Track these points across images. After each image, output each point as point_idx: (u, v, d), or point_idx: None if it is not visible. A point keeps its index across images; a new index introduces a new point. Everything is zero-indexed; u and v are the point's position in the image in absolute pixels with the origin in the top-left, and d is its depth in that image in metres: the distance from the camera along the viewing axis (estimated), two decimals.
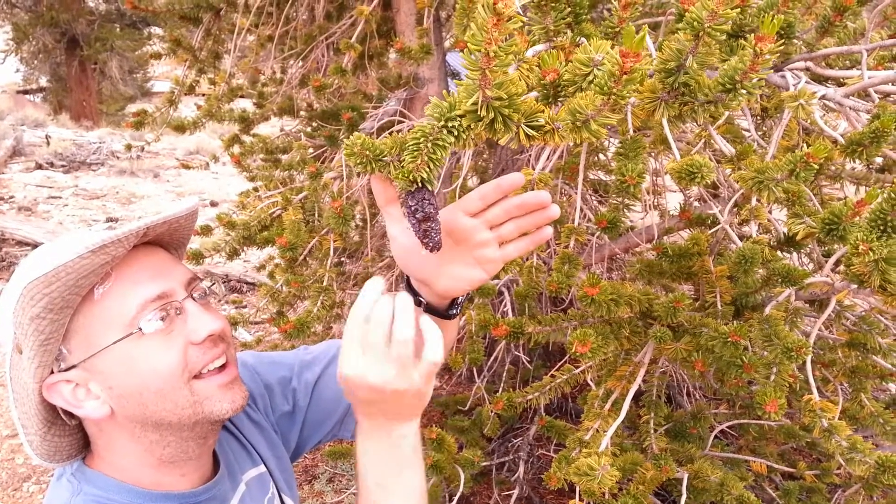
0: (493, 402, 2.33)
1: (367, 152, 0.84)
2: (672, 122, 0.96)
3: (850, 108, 1.42)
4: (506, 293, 3.15)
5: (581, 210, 2.12)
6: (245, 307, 6.18)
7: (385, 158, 0.86)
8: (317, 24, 4.00)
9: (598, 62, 0.78)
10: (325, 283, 2.75)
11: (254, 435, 1.39)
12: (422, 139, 0.79)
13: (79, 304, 1.01)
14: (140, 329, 1.02)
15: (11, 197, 10.13)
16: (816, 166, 1.17)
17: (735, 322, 1.77)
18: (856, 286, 1.58)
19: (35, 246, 7.82)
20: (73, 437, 1.14)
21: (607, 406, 1.95)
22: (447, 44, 3.99)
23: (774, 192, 1.21)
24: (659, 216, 3.18)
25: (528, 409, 3.06)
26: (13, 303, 0.97)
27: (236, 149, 3.99)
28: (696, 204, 3.03)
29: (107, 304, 1.03)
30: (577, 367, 2.17)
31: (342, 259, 3.97)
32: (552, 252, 2.83)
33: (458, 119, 0.78)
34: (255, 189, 3.39)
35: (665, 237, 2.73)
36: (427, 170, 0.80)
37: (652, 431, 2.15)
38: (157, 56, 4.20)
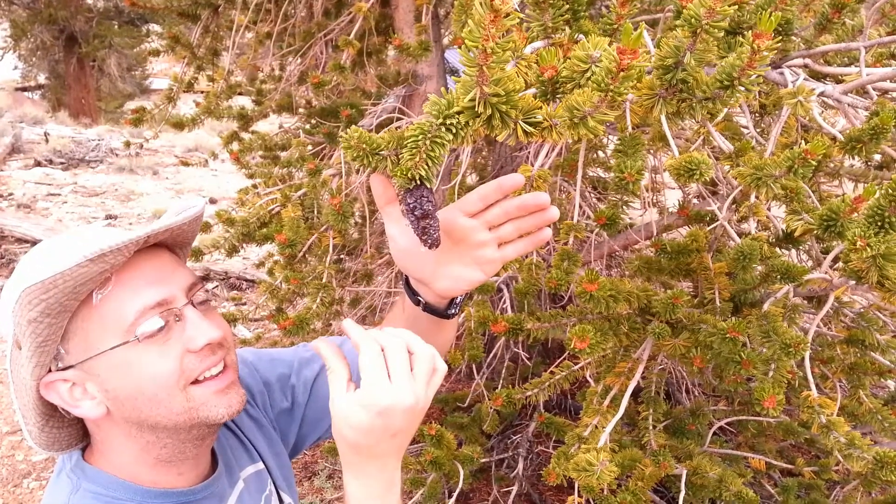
0: (493, 398, 2.33)
1: (364, 146, 0.84)
2: (670, 118, 0.96)
3: (849, 105, 1.42)
4: (505, 290, 3.15)
5: (580, 207, 2.12)
6: (244, 304, 6.18)
7: (382, 153, 0.86)
8: (315, 20, 3.99)
9: (596, 59, 0.78)
10: (324, 280, 2.75)
11: (252, 432, 1.39)
12: (420, 137, 0.79)
13: (78, 307, 1.01)
14: (136, 338, 1.02)
15: (10, 194, 10.12)
16: (815, 163, 1.17)
17: (734, 318, 1.77)
18: (854, 282, 1.59)
19: (34, 243, 7.82)
20: (71, 428, 1.14)
21: (606, 402, 1.95)
22: (446, 41, 3.99)
23: (773, 188, 1.21)
24: (658, 213, 3.18)
25: (528, 406, 3.06)
26: (12, 303, 0.97)
27: (235, 146, 3.98)
28: (694, 201, 3.03)
29: (105, 310, 1.02)
30: (576, 364, 2.17)
31: (341, 256, 3.97)
32: (551, 249, 2.83)
33: (457, 116, 0.78)
34: (254, 186, 3.39)
35: (664, 234, 2.73)
36: (425, 167, 0.80)
37: (651, 428, 2.15)
38: (156, 53, 4.19)
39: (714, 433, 2.55)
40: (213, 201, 10.82)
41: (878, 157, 2.41)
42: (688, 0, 1.05)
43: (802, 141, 1.87)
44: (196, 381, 1.07)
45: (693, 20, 0.83)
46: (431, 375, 1.01)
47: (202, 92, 3.97)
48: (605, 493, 1.90)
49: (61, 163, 12.18)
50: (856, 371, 2.13)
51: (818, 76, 1.56)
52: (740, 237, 1.90)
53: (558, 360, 2.32)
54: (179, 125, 3.70)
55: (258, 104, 4.09)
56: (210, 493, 1.19)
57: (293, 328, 2.56)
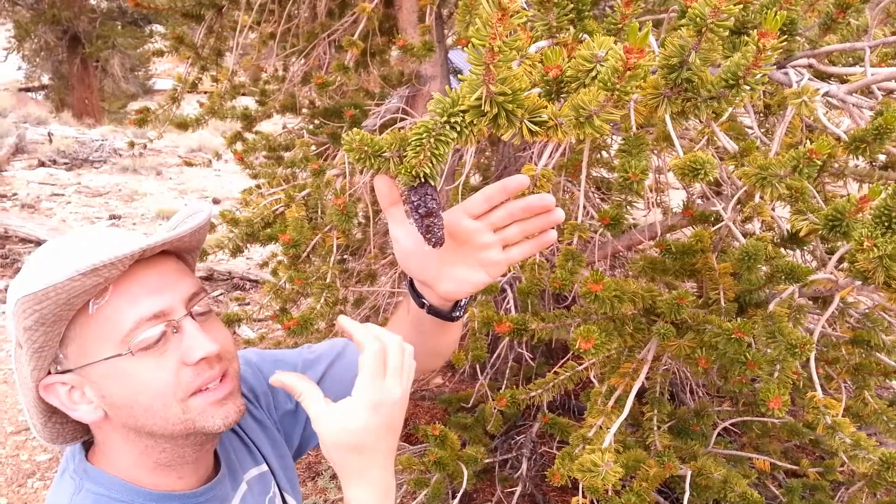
0: (497, 398, 2.33)
1: (366, 148, 0.84)
2: (675, 118, 0.96)
3: (854, 105, 1.41)
4: (508, 290, 3.15)
5: (584, 207, 2.12)
6: (248, 304, 6.19)
7: (385, 154, 0.85)
8: (319, 21, 3.99)
9: (602, 58, 0.78)
10: (328, 280, 2.75)
11: (256, 433, 1.38)
12: (424, 135, 0.79)
13: (76, 315, 1.01)
14: (130, 351, 1.01)
15: (14, 194, 10.15)
16: (820, 163, 1.17)
17: (739, 319, 1.76)
18: (860, 283, 1.58)
19: (38, 243, 7.84)
20: (75, 423, 1.15)
21: (610, 403, 1.95)
22: (449, 41, 3.99)
23: (778, 188, 1.21)
24: (662, 213, 3.18)
25: (531, 406, 3.06)
26: (11, 306, 0.97)
27: (239, 146, 3.98)
28: (698, 201, 3.02)
29: (102, 319, 1.01)
30: (580, 364, 2.17)
31: (345, 256, 3.97)
32: (555, 249, 2.83)
33: (461, 115, 0.78)
34: (258, 186, 3.38)
35: (668, 234, 2.73)
36: (430, 165, 0.80)
37: (655, 428, 2.15)
38: (160, 53, 4.19)
39: (718, 434, 2.55)
40: (216, 201, 10.84)
41: (882, 157, 2.41)
42: None
43: (807, 141, 1.87)
44: (194, 393, 1.07)
45: (698, 19, 0.82)
46: (411, 370, 1.08)
47: (206, 92, 3.97)
48: (610, 493, 1.90)
49: (65, 163, 12.21)
50: (861, 372, 2.13)
51: (823, 76, 1.56)
52: (745, 237, 1.90)
53: (562, 361, 2.32)
54: (183, 125, 3.70)
55: (262, 104, 4.09)
56: (212, 497, 1.19)
57: (297, 328, 2.56)
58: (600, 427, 1.89)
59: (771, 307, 1.79)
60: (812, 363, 1.67)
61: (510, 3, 0.65)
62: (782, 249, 1.95)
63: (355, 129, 0.84)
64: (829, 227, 1.20)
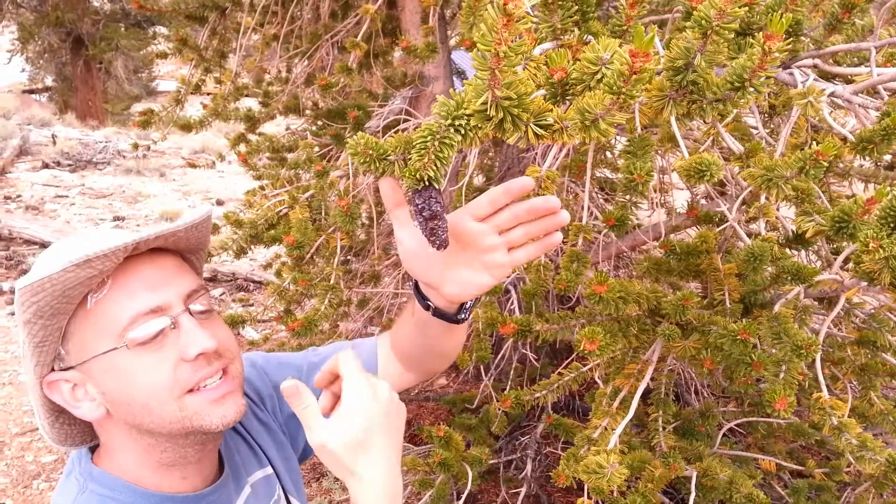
0: (501, 399, 2.33)
1: (371, 151, 0.84)
2: (680, 120, 0.95)
3: (859, 106, 1.41)
4: (513, 291, 3.14)
5: (588, 208, 2.12)
6: (252, 305, 6.20)
7: (389, 157, 0.85)
8: (322, 22, 4.00)
9: (607, 61, 0.77)
10: (332, 282, 2.75)
11: (261, 435, 1.38)
12: (429, 138, 0.79)
13: (75, 310, 1.01)
14: (125, 344, 1.01)
15: (19, 196, 10.18)
16: (826, 164, 1.16)
17: (744, 320, 1.76)
18: (866, 284, 1.58)
19: (42, 245, 7.86)
20: (82, 425, 1.15)
21: (615, 404, 1.94)
22: (452, 42, 3.99)
23: (784, 189, 1.20)
24: (666, 214, 3.17)
25: (536, 407, 3.06)
26: (15, 302, 0.98)
27: (242, 147, 3.99)
28: (703, 201, 3.02)
29: (99, 313, 1.02)
30: (584, 365, 2.16)
31: (349, 257, 3.97)
32: (559, 250, 2.83)
33: (466, 118, 0.77)
34: (262, 188, 3.38)
35: (672, 235, 2.73)
36: (434, 168, 0.80)
37: (660, 429, 2.14)
38: (163, 55, 4.20)
39: (724, 434, 2.54)
40: (220, 203, 10.85)
41: (888, 157, 2.40)
42: (698, 1, 1.04)
43: (813, 142, 1.86)
44: (193, 390, 1.07)
45: (703, 21, 0.82)
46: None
47: (209, 94, 3.98)
48: (615, 495, 1.89)
49: (69, 165, 12.24)
50: (867, 372, 2.12)
51: (828, 76, 1.55)
52: (750, 238, 1.90)
53: (566, 362, 2.32)
54: (187, 127, 3.70)
55: (265, 106, 4.09)
56: (215, 499, 1.19)
57: (301, 330, 2.56)
58: (605, 428, 1.89)
59: (776, 308, 1.78)
60: (818, 364, 1.67)
61: (515, 9, 0.65)
62: (787, 250, 1.94)
63: (360, 133, 0.84)
64: (835, 229, 1.19)
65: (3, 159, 11.45)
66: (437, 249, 0.90)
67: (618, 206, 1.93)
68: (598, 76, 0.78)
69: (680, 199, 3.57)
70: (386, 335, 1.45)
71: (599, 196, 3.84)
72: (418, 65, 3.38)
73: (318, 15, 4.09)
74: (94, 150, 13.04)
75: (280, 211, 3.04)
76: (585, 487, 1.77)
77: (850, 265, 1.69)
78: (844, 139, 1.39)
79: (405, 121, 3.32)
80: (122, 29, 20.03)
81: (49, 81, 23.26)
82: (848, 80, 1.51)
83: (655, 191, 3.15)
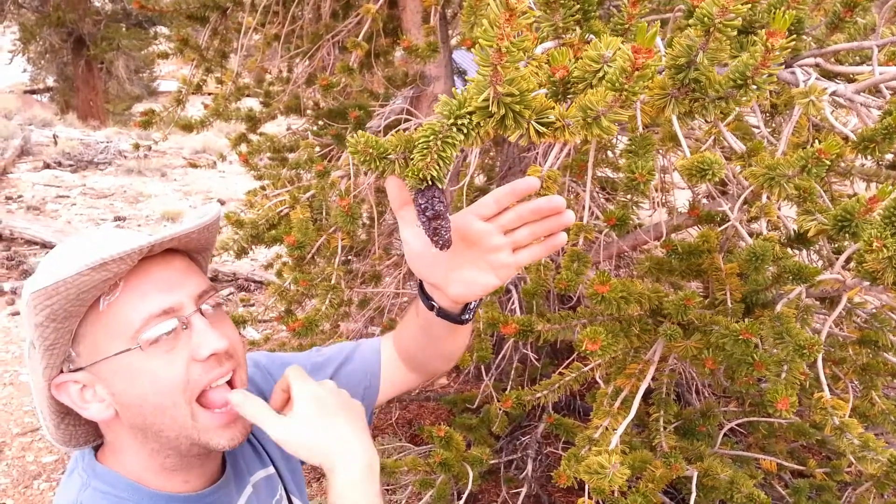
0: (502, 399, 2.32)
1: (371, 150, 0.84)
2: (682, 118, 0.95)
3: (861, 105, 1.41)
4: (513, 291, 3.14)
5: (589, 208, 2.12)
6: (253, 305, 6.19)
7: (389, 156, 0.85)
8: (323, 22, 4.00)
9: (609, 58, 0.77)
10: (333, 282, 2.75)
11: (264, 435, 1.38)
12: (431, 137, 0.78)
13: (87, 312, 1.01)
14: (139, 346, 1.02)
15: (20, 196, 10.18)
16: (828, 163, 1.16)
17: (746, 320, 1.76)
18: (868, 283, 1.58)
19: (44, 245, 7.86)
20: (88, 426, 1.15)
21: (617, 404, 1.94)
22: (454, 42, 3.98)
23: (786, 188, 1.20)
24: (667, 213, 3.17)
25: (537, 407, 3.06)
26: (23, 305, 0.98)
27: (243, 147, 3.99)
28: (704, 201, 3.01)
29: (112, 315, 1.02)
30: (585, 365, 2.16)
31: (350, 257, 3.97)
32: (560, 250, 2.82)
33: (468, 116, 0.77)
34: (263, 188, 3.38)
35: (674, 234, 2.72)
36: (437, 168, 0.80)
37: (661, 429, 2.14)
38: (164, 55, 4.21)
39: (725, 434, 2.53)
40: (221, 203, 10.85)
41: (890, 156, 2.40)
42: None
43: (815, 141, 1.86)
44: (203, 403, 1.08)
45: (706, 19, 0.82)
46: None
47: (210, 94, 3.98)
48: (616, 495, 1.89)
49: (70, 165, 12.24)
50: (868, 372, 2.12)
51: (830, 75, 1.55)
52: (752, 237, 1.89)
53: (568, 362, 2.32)
54: (188, 127, 3.70)
55: (266, 106, 4.09)
56: (216, 499, 1.20)
57: (302, 330, 2.56)
58: (606, 428, 1.89)
59: (778, 308, 1.78)
60: (819, 363, 1.67)
61: (518, 4, 0.64)
62: (789, 249, 1.94)
63: (360, 132, 0.84)
64: (838, 228, 1.19)
65: (4, 160, 11.46)
66: (440, 249, 0.90)
67: (619, 206, 1.93)
68: (600, 74, 0.78)
69: (681, 198, 3.57)
70: (389, 336, 1.45)
71: (601, 195, 3.83)
72: (419, 64, 3.37)
73: (319, 15, 4.08)
74: (95, 151, 13.04)
75: (281, 211, 3.04)
76: (586, 488, 1.77)
77: (852, 265, 1.69)
78: (846, 138, 1.38)
79: (406, 120, 3.32)
80: (124, 29, 20.03)
81: (50, 82, 23.26)
82: (850, 79, 1.50)
83: (657, 190, 3.14)
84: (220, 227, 1.20)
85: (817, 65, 1.51)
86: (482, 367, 3.40)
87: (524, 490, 3.16)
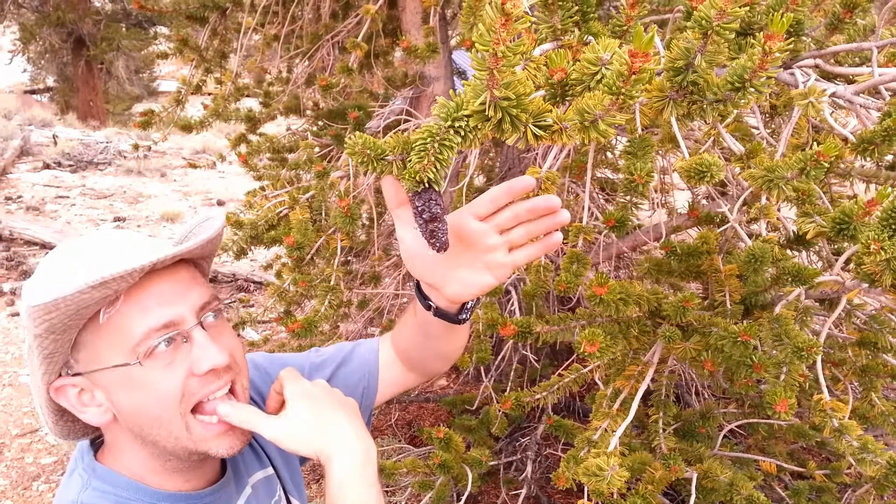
0: (501, 401, 2.32)
1: (369, 151, 0.83)
2: (680, 120, 0.95)
3: (861, 106, 1.40)
4: (513, 292, 3.14)
5: (588, 209, 2.11)
6: (252, 306, 6.19)
7: (387, 157, 0.85)
8: (322, 23, 3.99)
9: (607, 61, 0.77)
10: (332, 283, 2.75)
11: (263, 437, 1.38)
12: (428, 139, 0.78)
13: (87, 322, 1.01)
14: (139, 361, 1.01)
15: (19, 196, 10.18)
16: (827, 165, 1.16)
17: (745, 321, 1.75)
18: (867, 285, 1.57)
19: (43, 245, 7.85)
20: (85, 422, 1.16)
21: (616, 405, 1.94)
22: (453, 42, 3.98)
23: (785, 190, 1.20)
24: (667, 214, 3.17)
25: (536, 409, 3.05)
26: (23, 311, 0.98)
27: (243, 148, 3.98)
28: (703, 202, 3.01)
29: (112, 328, 1.02)
30: (584, 367, 2.16)
31: (349, 258, 3.97)
32: (560, 251, 2.82)
33: (465, 119, 0.77)
34: (262, 188, 3.38)
35: (673, 235, 2.72)
36: (434, 170, 0.80)
37: (661, 431, 2.14)
38: (164, 56, 4.20)
39: (724, 436, 2.53)
40: (220, 203, 10.86)
41: (889, 157, 2.39)
42: (698, 1, 1.04)
43: (814, 142, 1.86)
44: (200, 411, 1.08)
45: (704, 22, 0.82)
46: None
47: (210, 94, 3.97)
48: (615, 497, 1.89)
49: (70, 165, 12.24)
50: (868, 373, 2.11)
51: (829, 76, 1.55)
52: (751, 239, 1.89)
53: (567, 363, 2.31)
54: (187, 127, 3.70)
55: (266, 106, 4.09)
56: (215, 499, 1.20)
57: (301, 331, 2.56)
58: (605, 430, 1.88)
59: (777, 309, 1.78)
60: (819, 365, 1.66)
61: (513, 9, 0.64)
62: (788, 251, 1.93)
63: (358, 133, 0.84)
64: (836, 230, 1.19)
65: (4, 160, 11.46)
66: (436, 252, 0.89)
67: (618, 207, 1.93)
68: (598, 77, 0.78)
69: (681, 199, 3.56)
70: (388, 336, 1.45)
71: (600, 197, 3.83)
72: (419, 65, 3.37)
73: (318, 15, 4.08)
74: (94, 151, 13.04)
75: (280, 212, 3.03)
76: (585, 489, 1.76)
77: (851, 266, 1.69)
78: (845, 140, 1.38)
79: (406, 121, 3.32)
80: (124, 29, 20.05)
81: (50, 82, 23.28)
82: (849, 81, 1.50)
83: (656, 191, 3.14)
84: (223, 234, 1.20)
85: (817, 66, 1.51)
86: (481, 368, 3.39)
87: (524, 492, 3.16)
